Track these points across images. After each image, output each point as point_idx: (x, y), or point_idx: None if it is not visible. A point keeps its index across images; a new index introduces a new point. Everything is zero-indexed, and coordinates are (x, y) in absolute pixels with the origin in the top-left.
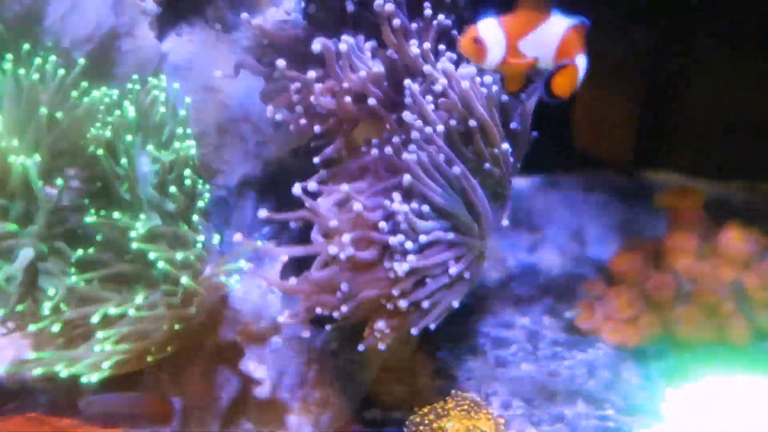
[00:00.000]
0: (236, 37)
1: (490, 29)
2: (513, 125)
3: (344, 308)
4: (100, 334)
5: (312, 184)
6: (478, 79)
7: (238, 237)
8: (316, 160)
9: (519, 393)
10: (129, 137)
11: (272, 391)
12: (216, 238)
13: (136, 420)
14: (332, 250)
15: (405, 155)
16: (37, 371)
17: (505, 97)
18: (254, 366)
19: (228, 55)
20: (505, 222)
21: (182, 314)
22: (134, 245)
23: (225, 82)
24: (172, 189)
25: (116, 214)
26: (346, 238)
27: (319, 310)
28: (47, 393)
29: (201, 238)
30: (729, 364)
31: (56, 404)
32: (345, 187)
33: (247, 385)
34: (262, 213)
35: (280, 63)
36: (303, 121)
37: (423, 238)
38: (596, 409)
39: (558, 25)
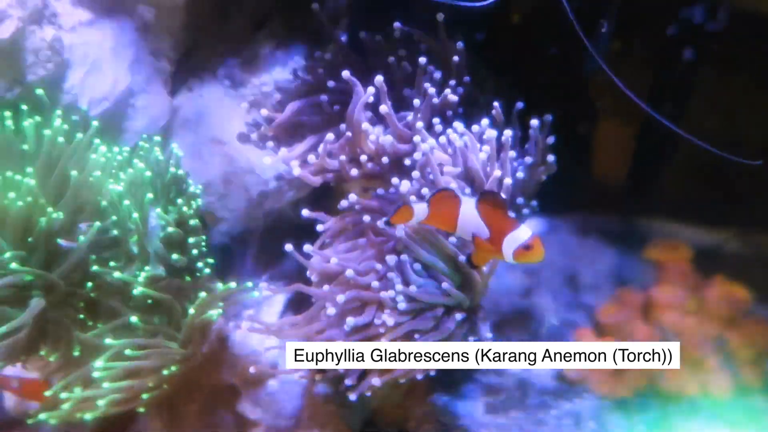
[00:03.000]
0: (243, 92)
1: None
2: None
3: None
4: (98, 373)
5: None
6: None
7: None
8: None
9: None
10: (149, 195)
11: None
12: (218, 286)
13: None
14: (330, 311)
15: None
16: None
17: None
18: (250, 408)
19: (235, 109)
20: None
21: (181, 356)
22: (138, 290)
23: (232, 135)
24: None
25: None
26: (341, 298)
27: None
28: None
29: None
30: (711, 418)
31: None
32: (334, 260)
33: (243, 426)
34: (263, 286)
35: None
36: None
37: (413, 289)
38: None
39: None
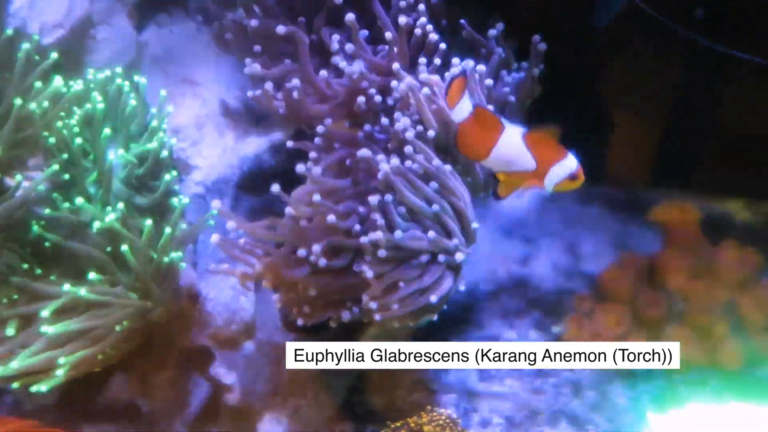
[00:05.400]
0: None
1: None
2: None
3: (306, 308)
4: (50, 329)
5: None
6: None
7: (215, 238)
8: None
9: (500, 410)
10: (106, 131)
11: (243, 398)
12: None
13: None
14: (301, 252)
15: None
16: None
17: None
18: (225, 372)
19: (208, 47)
20: None
21: (140, 307)
22: (97, 226)
23: (205, 75)
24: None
25: (79, 200)
26: (317, 248)
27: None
28: (11, 393)
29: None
30: (719, 389)
31: (20, 404)
32: (317, 197)
33: (218, 391)
34: (216, 203)
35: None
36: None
37: (398, 234)
38: (579, 431)
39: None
